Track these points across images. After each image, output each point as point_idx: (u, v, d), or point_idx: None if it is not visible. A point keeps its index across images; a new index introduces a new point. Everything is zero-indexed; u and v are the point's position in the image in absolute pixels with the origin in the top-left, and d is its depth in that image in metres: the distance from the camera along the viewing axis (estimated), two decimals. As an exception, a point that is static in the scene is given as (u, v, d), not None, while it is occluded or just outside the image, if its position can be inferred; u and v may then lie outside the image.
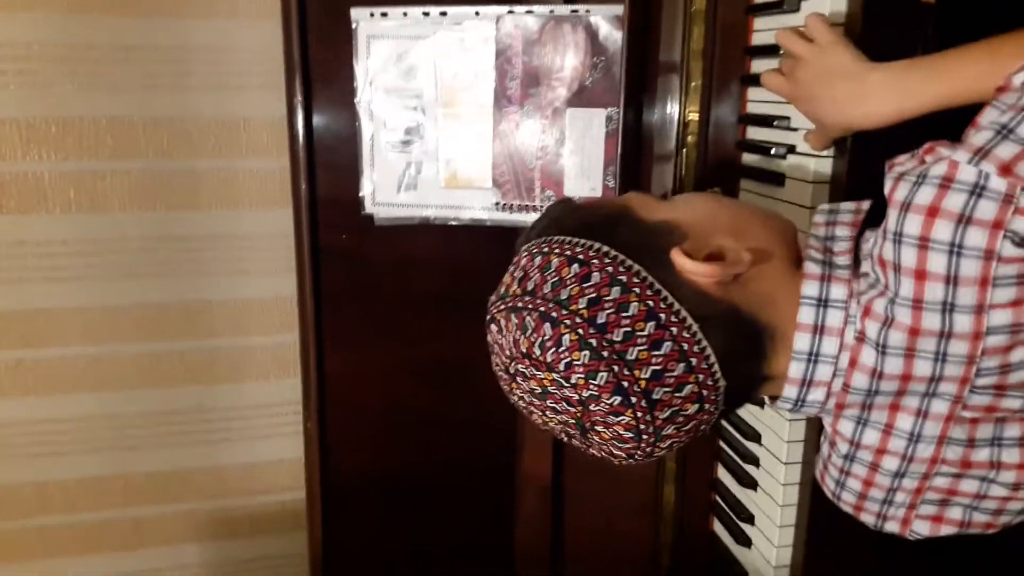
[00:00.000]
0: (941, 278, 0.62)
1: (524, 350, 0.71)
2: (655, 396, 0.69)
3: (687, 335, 0.68)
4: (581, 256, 0.70)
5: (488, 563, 1.36)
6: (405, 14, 1.14)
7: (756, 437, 1.11)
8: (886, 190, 0.67)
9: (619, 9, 1.07)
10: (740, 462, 1.15)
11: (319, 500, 1.29)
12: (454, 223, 1.20)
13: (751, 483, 1.13)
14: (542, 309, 0.70)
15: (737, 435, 1.15)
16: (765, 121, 1.04)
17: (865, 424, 0.73)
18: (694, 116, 1.11)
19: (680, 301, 0.69)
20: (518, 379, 0.74)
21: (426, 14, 1.14)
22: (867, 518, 0.78)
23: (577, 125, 1.11)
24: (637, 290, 0.68)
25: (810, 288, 0.70)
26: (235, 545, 1.64)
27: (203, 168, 1.47)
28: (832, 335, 0.69)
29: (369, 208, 1.21)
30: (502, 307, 0.74)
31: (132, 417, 1.54)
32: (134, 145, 1.44)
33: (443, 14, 1.13)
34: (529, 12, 1.11)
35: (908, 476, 0.73)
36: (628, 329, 0.68)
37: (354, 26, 1.15)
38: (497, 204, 1.17)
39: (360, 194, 1.21)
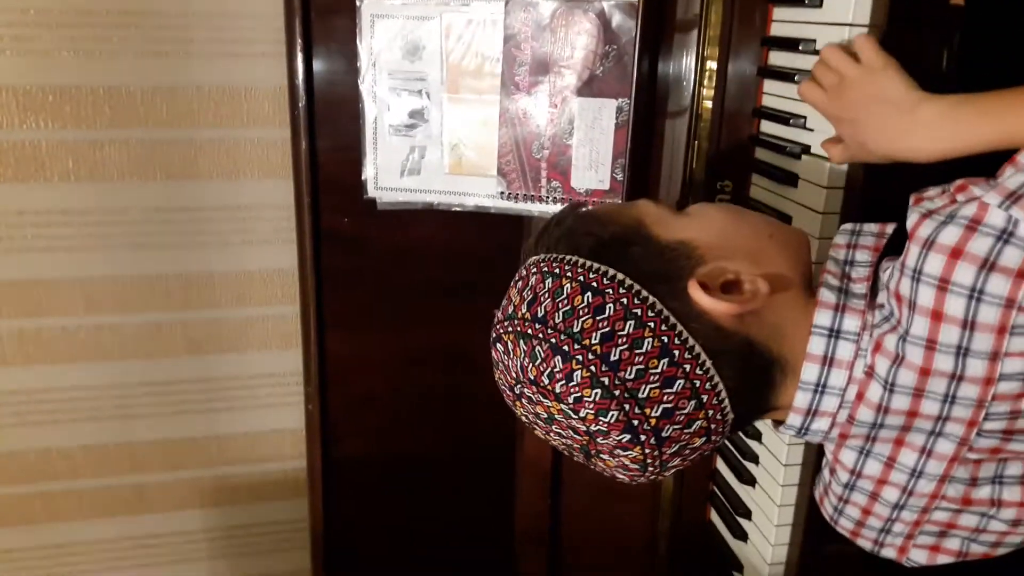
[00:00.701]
0: (958, 322, 0.60)
1: (532, 377, 0.69)
2: (664, 434, 0.68)
3: (700, 372, 0.67)
4: (595, 284, 0.68)
5: (488, 543, 1.37)
6: (411, -7, 1.10)
7: (757, 435, 1.11)
8: (909, 224, 0.64)
9: (633, -5, 1.03)
10: (740, 458, 1.14)
11: (320, 479, 1.29)
12: (458, 209, 1.18)
13: (750, 479, 1.13)
14: (553, 340, 0.68)
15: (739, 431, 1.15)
16: (780, 118, 1.01)
17: (868, 455, 0.72)
18: (707, 106, 1.08)
19: (694, 335, 0.67)
20: (523, 400, 0.72)
21: (432, -6, 1.10)
22: (864, 543, 0.78)
23: (586, 115, 1.08)
24: (652, 324, 0.66)
25: (823, 317, 0.68)
26: (237, 511, 1.66)
27: (204, 138, 1.44)
28: (841, 367, 0.68)
29: (372, 192, 1.19)
30: (509, 329, 0.72)
31: (134, 387, 1.54)
32: (133, 114, 1.41)
33: (450, -6, 1.09)
34: (540, -5, 1.06)
35: (908, 509, 0.72)
36: (641, 367, 0.66)
37: (358, 3, 1.11)
38: (502, 193, 1.14)
39: (363, 177, 1.18)
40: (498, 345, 0.73)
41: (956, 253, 0.60)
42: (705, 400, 0.68)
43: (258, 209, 1.50)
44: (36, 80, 1.35)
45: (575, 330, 0.67)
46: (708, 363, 0.67)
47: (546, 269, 0.71)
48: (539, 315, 0.69)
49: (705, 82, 1.05)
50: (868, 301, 0.69)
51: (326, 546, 1.32)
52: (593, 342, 0.67)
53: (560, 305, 0.68)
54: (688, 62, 1.05)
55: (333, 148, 1.18)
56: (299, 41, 1.11)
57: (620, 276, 0.68)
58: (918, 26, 0.89)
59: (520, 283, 0.73)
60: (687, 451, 0.70)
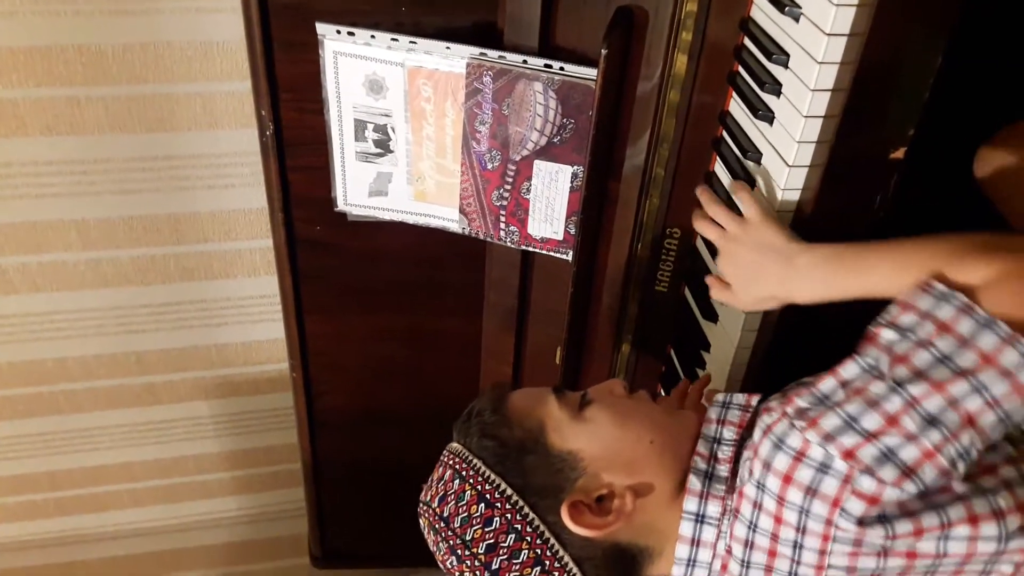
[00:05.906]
0: (793, 527, 0.75)
1: (439, 560, 0.87)
2: None
3: None
4: (488, 496, 0.82)
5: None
6: (373, 36, 1.08)
7: None
8: (755, 436, 0.77)
9: (593, 72, 1.02)
10: None
11: (306, 424, 1.48)
12: (423, 225, 1.25)
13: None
14: (451, 542, 0.84)
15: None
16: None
17: None
18: (660, 172, 1.11)
19: (565, 546, 0.82)
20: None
21: (395, 39, 1.08)
22: None
23: (543, 176, 1.11)
24: (528, 538, 0.82)
25: (691, 504, 0.82)
26: (238, 401, 1.87)
27: (179, 92, 1.45)
28: (707, 547, 0.83)
29: (341, 207, 1.24)
30: (427, 514, 0.87)
31: (135, 308, 1.68)
32: (106, 71, 1.41)
33: (413, 43, 1.08)
34: (501, 58, 1.05)
35: None
36: (517, 574, 0.82)
37: (320, 40, 1.10)
38: (463, 229, 1.21)
39: (332, 194, 1.24)
40: (420, 520, 0.89)
41: (787, 479, 0.73)
42: None
43: (237, 156, 1.54)
44: (3, 42, 1.34)
45: (467, 538, 0.83)
46: (575, 569, 0.82)
47: (458, 468, 0.85)
48: (444, 515, 0.85)
49: (658, 152, 1.08)
50: (729, 484, 0.82)
51: (315, 473, 1.54)
52: (480, 551, 0.82)
53: (460, 510, 0.84)
54: (642, 143, 1.06)
55: (304, 167, 1.22)
56: (263, 80, 1.12)
57: (509, 492, 0.82)
58: (854, 175, 0.91)
59: (440, 470, 0.87)
60: None
